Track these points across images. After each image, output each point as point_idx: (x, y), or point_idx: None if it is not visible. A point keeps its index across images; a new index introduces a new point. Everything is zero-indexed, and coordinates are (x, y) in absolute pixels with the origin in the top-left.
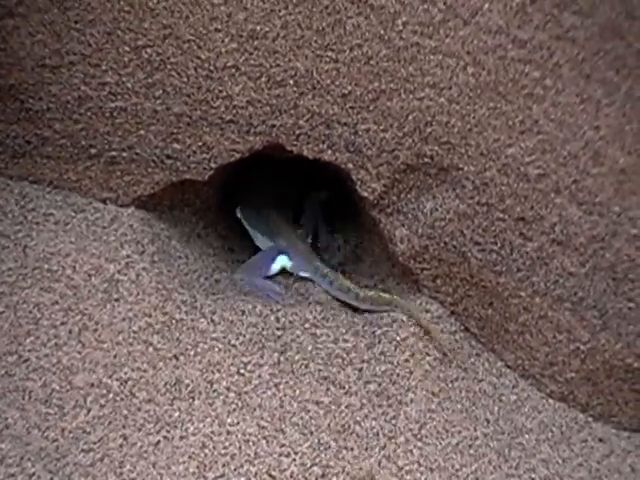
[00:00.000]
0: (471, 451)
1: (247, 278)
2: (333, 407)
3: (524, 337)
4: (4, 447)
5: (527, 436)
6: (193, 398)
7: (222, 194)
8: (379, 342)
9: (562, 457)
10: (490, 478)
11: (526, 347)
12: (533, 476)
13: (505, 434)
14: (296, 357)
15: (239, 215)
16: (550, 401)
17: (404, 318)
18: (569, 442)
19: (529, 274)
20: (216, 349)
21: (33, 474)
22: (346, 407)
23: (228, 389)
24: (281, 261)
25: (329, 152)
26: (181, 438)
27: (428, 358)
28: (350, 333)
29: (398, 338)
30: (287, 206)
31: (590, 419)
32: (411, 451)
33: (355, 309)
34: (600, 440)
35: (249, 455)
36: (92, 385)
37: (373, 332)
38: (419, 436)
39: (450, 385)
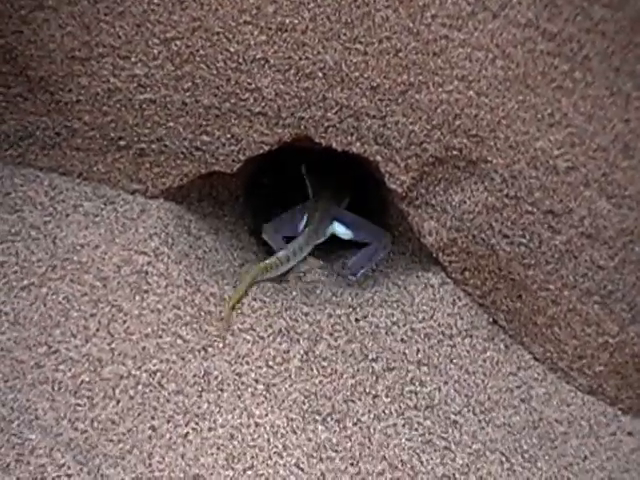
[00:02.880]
0: (501, 446)
1: (273, 234)
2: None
3: (553, 330)
4: (34, 438)
5: (555, 429)
6: (222, 390)
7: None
8: None
9: (590, 450)
10: (519, 471)
11: (555, 340)
12: (562, 470)
13: (533, 427)
14: (325, 350)
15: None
16: (579, 394)
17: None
18: (597, 435)
19: (558, 267)
20: (244, 341)
21: (63, 465)
22: (373, 399)
23: (256, 381)
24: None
25: (357, 144)
26: (210, 430)
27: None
28: None
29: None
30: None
31: (619, 412)
32: (445, 438)
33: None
34: (629, 434)
35: (277, 447)
36: (121, 377)
37: None
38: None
39: (480, 379)
